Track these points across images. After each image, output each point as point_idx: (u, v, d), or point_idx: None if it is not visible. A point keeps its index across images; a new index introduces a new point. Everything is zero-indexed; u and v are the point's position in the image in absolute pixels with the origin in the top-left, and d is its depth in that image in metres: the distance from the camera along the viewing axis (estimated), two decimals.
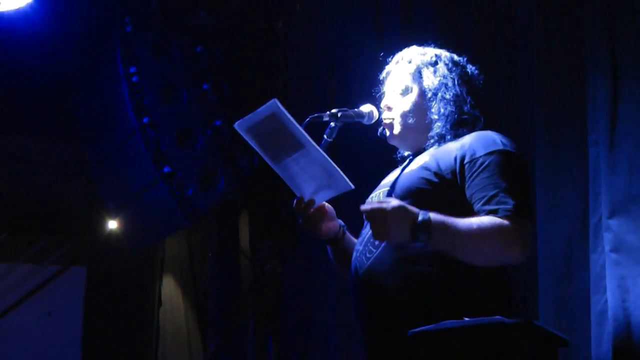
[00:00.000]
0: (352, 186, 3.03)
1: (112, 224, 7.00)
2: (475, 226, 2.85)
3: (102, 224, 7.51)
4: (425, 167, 3.07)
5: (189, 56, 5.93)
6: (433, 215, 2.83)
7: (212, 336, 6.88)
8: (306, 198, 3.17)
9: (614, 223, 3.50)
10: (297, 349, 5.88)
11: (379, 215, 2.81)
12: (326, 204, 3.25)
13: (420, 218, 2.81)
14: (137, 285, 7.95)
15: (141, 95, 5.67)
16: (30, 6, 5.71)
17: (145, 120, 5.64)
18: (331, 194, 3.12)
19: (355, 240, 3.29)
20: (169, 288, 7.73)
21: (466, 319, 2.66)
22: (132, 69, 5.68)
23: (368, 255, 3.06)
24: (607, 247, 3.51)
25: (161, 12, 6.03)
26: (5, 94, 6.29)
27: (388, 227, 2.81)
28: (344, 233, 3.35)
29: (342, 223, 3.36)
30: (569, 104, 3.85)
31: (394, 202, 2.84)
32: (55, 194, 7.73)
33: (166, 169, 5.65)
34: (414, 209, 2.84)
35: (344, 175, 3.03)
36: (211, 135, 5.86)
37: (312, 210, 3.20)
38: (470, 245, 2.85)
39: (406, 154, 3.37)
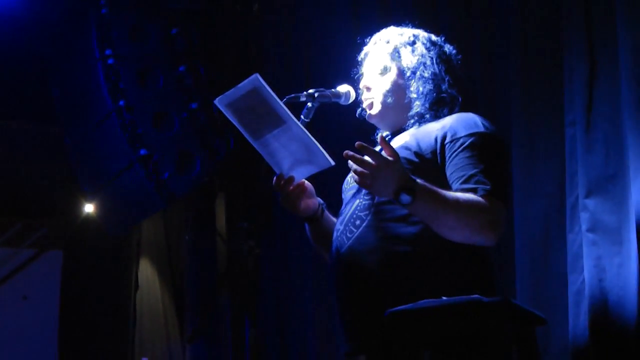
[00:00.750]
0: (333, 163, 3.02)
1: (89, 208, 6.98)
2: (461, 200, 2.85)
3: (78, 207, 7.49)
4: (405, 147, 3.07)
5: (165, 39, 5.90)
6: (421, 181, 2.83)
7: (189, 319, 6.88)
8: (286, 175, 3.16)
9: (590, 203, 3.52)
10: (275, 330, 5.88)
11: (375, 165, 2.79)
12: (306, 181, 3.25)
13: (408, 179, 2.81)
14: (114, 268, 7.93)
15: (117, 78, 5.65)
16: None
17: (122, 103, 5.62)
18: (311, 170, 3.12)
19: (334, 219, 3.28)
20: (146, 271, 7.71)
21: (444, 298, 2.67)
22: (108, 52, 5.65)
23: (349, 235, 3.06)
24: (583, 227, 3.53)
25: None
26: None
27: (377, 177, 2.80)
28: (323, 211, 3.34)
29: (322, 201, 3.35)
30: (545, 86, 3.86)
31: (393, 157, 2.82)
32: (31, 177, 7.69)
33: (142, 152, 5.63)
34: (407, 172, 2.84)
35: (325, 152, 3.02)
36: (187, 118, 5.84)
37: (291, 187, 3.19)
38: (452, 217, 2.85)
39: (385, 134, 3.37)
